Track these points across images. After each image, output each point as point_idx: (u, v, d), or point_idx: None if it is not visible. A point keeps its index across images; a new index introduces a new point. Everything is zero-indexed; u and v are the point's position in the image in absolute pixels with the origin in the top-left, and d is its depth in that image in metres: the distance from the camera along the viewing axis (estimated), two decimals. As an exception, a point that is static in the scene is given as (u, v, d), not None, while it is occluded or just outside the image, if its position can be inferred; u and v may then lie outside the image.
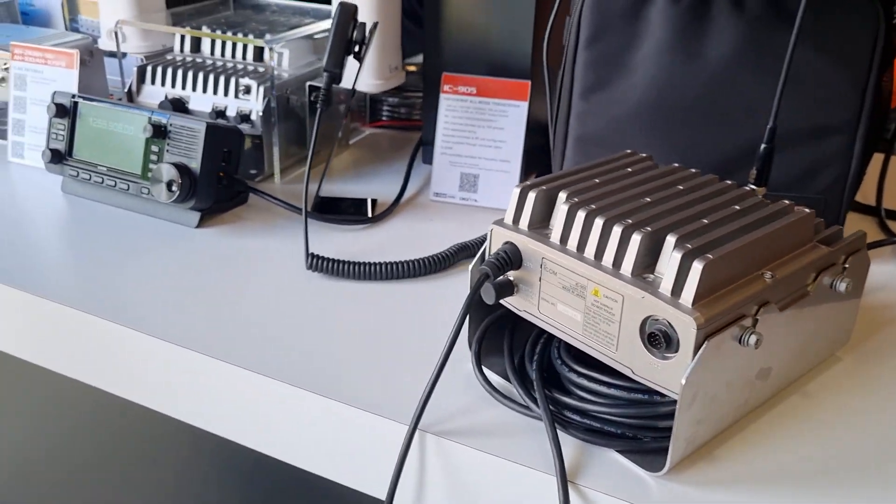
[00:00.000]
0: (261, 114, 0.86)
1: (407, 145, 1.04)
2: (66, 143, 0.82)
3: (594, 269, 0.49)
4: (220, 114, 0.87)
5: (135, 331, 0.63)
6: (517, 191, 0.54)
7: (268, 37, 0.89)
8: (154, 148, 0.78)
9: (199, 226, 0.79)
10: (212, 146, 0.76)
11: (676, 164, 0.59)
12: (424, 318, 0.66)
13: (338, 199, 0.85)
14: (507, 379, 0.57)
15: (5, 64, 0.94)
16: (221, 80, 0.88)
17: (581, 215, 0.51)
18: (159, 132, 0.77)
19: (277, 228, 0.79)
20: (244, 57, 0.93)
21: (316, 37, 0.93)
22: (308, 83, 0.90)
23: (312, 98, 0.91)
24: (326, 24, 0.95)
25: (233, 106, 0.87)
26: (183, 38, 0.95)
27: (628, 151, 0.61)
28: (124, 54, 0.97)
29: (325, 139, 0.96)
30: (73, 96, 0.82)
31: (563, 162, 0.76)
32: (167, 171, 0.75)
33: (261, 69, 0.90)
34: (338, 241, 0.78)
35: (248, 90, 0.87)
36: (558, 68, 0.75)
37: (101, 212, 0.81)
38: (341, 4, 0.75)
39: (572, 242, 0.51)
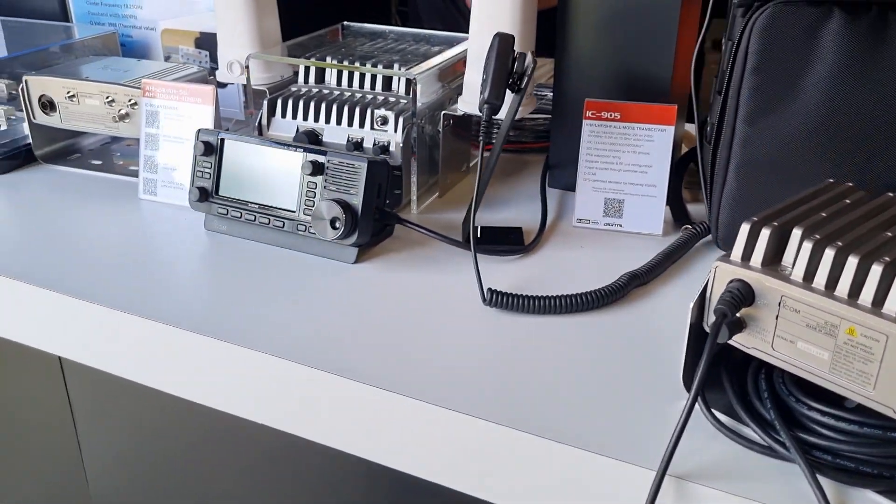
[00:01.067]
0: (401, 144, 0.85)
1: (525, 169, 1.03)
2: (212, 180, 0.82)
3: (850, 308, 0.49)
4: (356, 145, 0.87)
5: (312, 368, 0.62)
6: (746, 227, 0.54)
7: (400, 68, 0.88)
8: (311, 184, 0.77)
9: (356, 261, 0.78)
10: (371, 182, 0.75)
11: (891, 194, 0.58)
12: (611, 350, 0.65)
13: (487, 228, 0.84)
14: (734, 416, 0.56)
15: (130, 100, 0.93)
16: (357, 111, 0.87)
17: (830, 253, 0.50)
18: (318, 169, 0.77)
19: (433, 261, 0.79)
20: (373, 87, 0.92)
21: (443, 65, 0.93)
22: (443, 112, 0.89)
23: (445, 126, 0.90)
24: (455, 51, 0.95)
25: (369, 137, 0.87)
26: (308, 69, 0.94)
27: (831, 181, 0.61)
28: (238, 85, 0.97)
29: (453, 166, 0.96)
30: (219, 133, 0.81)
31: (724, 188, 0.76)
32: (330, 209, 0.75)
33: (391, 99, 0.90)
34: (495, 272, 0.77)
35: (384, 121, 0.87)
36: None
37: (250, 249, 0.81)
38: (500, 36, 0.75)
39: (819, 280, 0.51)
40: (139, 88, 0.92)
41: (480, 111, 0.76)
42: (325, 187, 0.77)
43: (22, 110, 1.01)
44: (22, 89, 0.97)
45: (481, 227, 0.84)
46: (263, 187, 0.80)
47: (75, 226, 0.86)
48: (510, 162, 1.06)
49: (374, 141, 0.87)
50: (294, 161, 0.78)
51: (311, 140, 0.88)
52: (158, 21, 1.16)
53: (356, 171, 0.75)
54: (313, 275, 0.76)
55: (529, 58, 0.75)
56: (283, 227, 0.79)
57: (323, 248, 0.79)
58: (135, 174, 0.98)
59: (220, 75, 0.98)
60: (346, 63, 0.91)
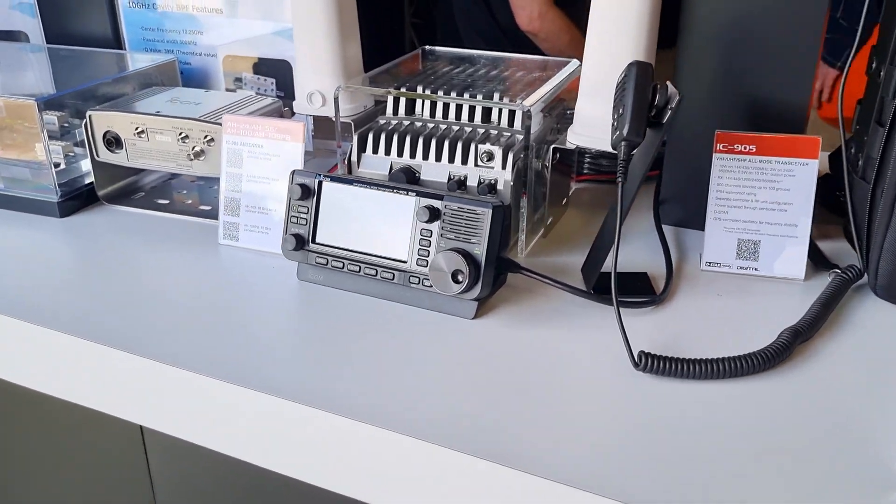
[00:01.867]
0: (510, 182, 0.78)
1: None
2: (309, 227, 0.74)
3: None
4: (459, 184, 0.79)
5: (443, 448, 0.55)
6: None
7: (503, 98, 0.81)
8: (426, 232, 0.70)
9: (475, 316, 0.70)
10: (495, 229, 0.68)
11: None
12: (788, 423, 0.57)
13: (608, 273, 0.76)
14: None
15: (206, 136, 0.86)
16: (459, 146, 0.80)
17: None
18: (434, 215, 0.69)
19: (558, 314, 0.71)
20: (471, 119, 0.85)
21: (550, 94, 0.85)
22: (552, 146, 0.82)
23: (555, 161, 0.83)
24: (560, 78, 0.87)
25: (473, 175, 0.79)
26: (397, 100, 0.87)
27: None
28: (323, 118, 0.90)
29: (554, 201, 0.88)
30: (317, 176, 0.74)
31: (887, 232, 0.68)
32: (451, 261, 0.67)
33: (493, 132, 0.82)
34: (628, 326, 0.69)
35: (490, 157, 0.79)
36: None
37: (352, 302, 0.73)
38: (638, 65, 0.67)
39: None
40: (216, 124, 0.85)
41: (614, 148, 0.69)
42: (441, 235, 0.69)
43: (78, 146, 0.93)
44: (85, 125, 0.89)
45: (600, 273, 0.77)
46: (369, 235, 0.72)
47: (151, 276, 0.78)
48: (604, 193, 0.98)
49: (479, 179, 0.79)
50: (405, 206, 0.71)
51: (408, 178, 0.81)
52: (218, 47, 1.08)
53: (478, 217, 0.68)
54: (428, 332, 0.69)
55: (672, 89, 0.68)
56: (393, 279, 0.71)
57: (439, 303, 0.71)
58: (206, 214, 0.91)
59: (299, 106, 0.91)
60: (454, 95, 0.83)
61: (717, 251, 0.78)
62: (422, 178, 0.81)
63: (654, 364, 0.62)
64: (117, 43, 1.13)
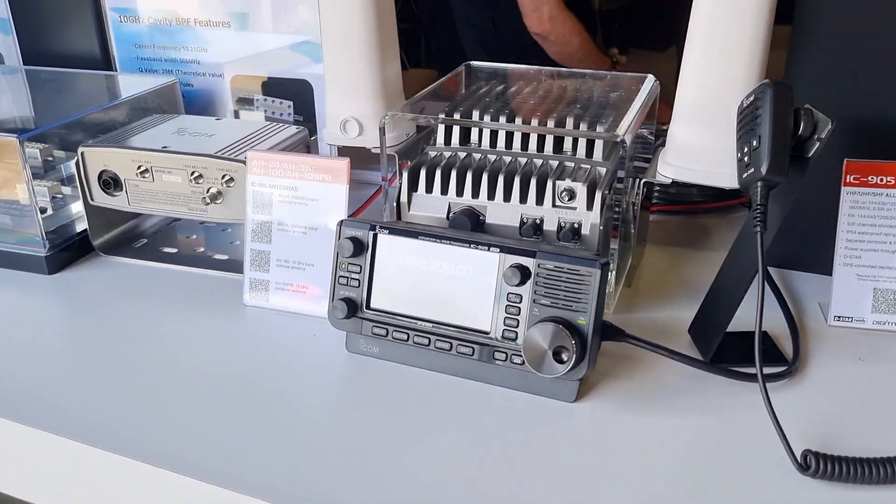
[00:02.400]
0: (599, 225, 0.65)
1: (701, 235, 0.83)
2: (363, 290, 0.61)
3: None
4: (535, 228, 0.66)
5: None
6: None
7: (579, 125, 0.68)
8: (514, 297, 0.56)
9: (576, 399, 0.57)
10: (602, 291, 0.55)
11: None
12: None
13: (729, 338, 0.63)
14: None
15: (224, 175, 0.72)
16: (533, 183, 0.66)
17: None
18: (525, 276, 0.56)
19: (673, 391, 0.58)
20: (540, 149, 0.71)
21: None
22: (643, 181, 0.69)
23: (643, 199, 0.70)
24: (641, 99, 0.74)
25: (551, 217, 0.66)
26: (449, 128, 0.73)
27: None
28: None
29: (638, 243, 0.75)
30: (372, 227, 0.60)
31: None
32: (553, 335, 0.54)
33: (568, 164, 0.69)
34: (759, 404, 0.57)
35: (571, 195, 0.66)
36: None
37: (418, 381, 0.60)
38: (775, 87, 0.54)
39: None
40: (238, 161, 0.71)
41: (745, 190, 0.56)
42: (534, 301, 0.56)
43: (65, 184, 0.79)
44: (77, 163, 0.75)
45: (718, 338, 0.64)
46: (441, 300, 0.59)
47: (160, 348, 0.64)
48: (679, 226, 0.85)
49: (560, 222, 0.66)
50: (486, 264, 0.57)
51: (472, 223, 0.67)
52: (224, 65, 0.94)
53: (582, 279, 0.55)
54: (520, 420, 0.55)
55: (819, 115, 0.55)
56: (473, 354, 0.58)
57: (531, 382, 0.58)
58: (224, 266, 0.77)
59: (330, 136, 0.77)
60: (534, 123, 0.69)
61: (848, 303, 0.65)
62: (487, 221, 0.68)
63: (825, 467, 0.49)
64: (106, 63, 0.98)
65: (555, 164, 0.69)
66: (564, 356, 0.54)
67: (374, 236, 0.60)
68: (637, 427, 0.55)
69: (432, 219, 0.69)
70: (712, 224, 0.86)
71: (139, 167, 0.74)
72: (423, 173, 0.70)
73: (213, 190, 0.73)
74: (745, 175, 0.55)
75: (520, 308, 0.56)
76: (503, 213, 0.68)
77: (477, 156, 0.72)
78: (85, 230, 0.79)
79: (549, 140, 0.71)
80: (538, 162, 0.70)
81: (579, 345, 0.54)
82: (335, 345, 0.64)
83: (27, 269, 0.77)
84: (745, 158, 0.55)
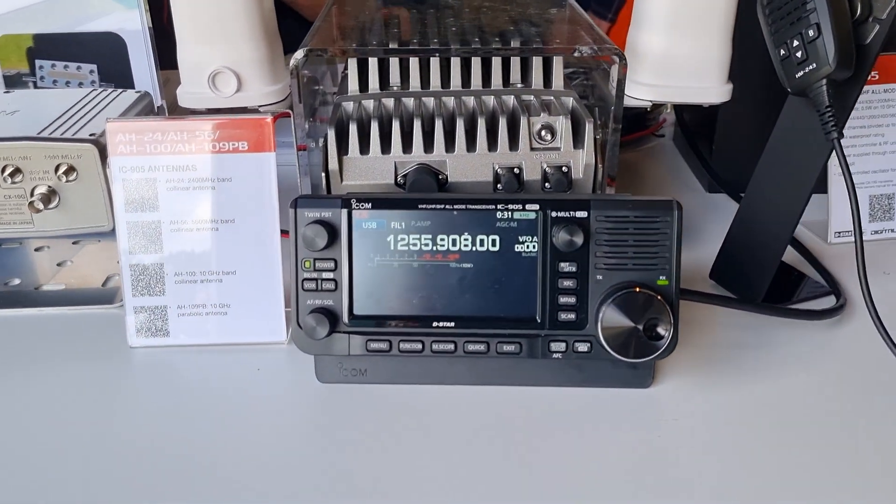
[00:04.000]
0: (593, 164, 0.52)
1: (625, 174, 0.74)
2: (343, 294, 0.42)
3: None
4: (511, 180, 0.52)
5: None
6: None
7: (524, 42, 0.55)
8: (566, 269, 0.42)
9: (651, 384, 0.45)
10: (680, 241, 0.42)
11: None
12: None
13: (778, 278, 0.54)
14: None
15: (60, 164, 0.48)
16: (501, 125, 0.52)
17: None
18: (583, 237, 0.41)
19: (746, 349, 0.48)
20: (486, 83, 0.57)
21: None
22: (612, 109, 0.57)
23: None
24: (581, 14, 0.62)
25: (532, 164, 0.52)
26: (364, 70, 0.56)
27: None
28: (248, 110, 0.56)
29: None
30: (345, 203, 0.42)
31: None
32: (645, 304, 0.40)
33: (526, 98, 0.55)
34: (836, 349, 0.49)
35: (552, 133, 0.53)
36: None
37: (442, 401, 0.43)
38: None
39: None
40: (82, 141, 0.48)
41: (799, 92, 0.46)
42: (595, 267, 0.42)
43: None
44: None
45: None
46: (462, 288, 0.43)
47: (33, 438, 0.41)
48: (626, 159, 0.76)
49: (544, 168, 0.52)
50: (521, 230, 0.42)
51: (424, 184, 0.51)
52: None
53: (657, 227, 0.42)
54: (603, 424, 0.42)
55: (876, -6, 0.46)
56: (521, 351, 0.43)
57: (593, 375, 0.44)
58: (70, 297, 0.53)
59: (192, 98, 0.56)
60: (495, 43, 0.54)
61: (847, 216, 0.59)
62: (450, 180, 0.52)
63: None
64: None
65: (509, 101, 0.56)
66: (662, 329, 0.41)
67: (350, 215, 0.43)
68: (742, 398, 0.44)
69: (377, 186, 0.52)
70: (630, 159, 0.77)
71: None
72: (353, 130, 0.52)
73: (42, 189, 0.49)
74: (799, 74, 0.46)
75: (578, 279, 0.42)
76: (468, 166, 0.52)
77: (409, 100, 0.56)
78: None
79: (496, 68, 0.57)
80: (489, 101, 0.56)
81: (669, 313, 0.41)
82: (295, 378, 0.46)
83: None
84: (798, 54, 0.46)
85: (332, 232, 0.42)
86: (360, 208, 0.43)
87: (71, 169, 0.48)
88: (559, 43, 0.58)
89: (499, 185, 0.52)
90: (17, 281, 0.55)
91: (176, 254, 0.47)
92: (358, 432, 0.42)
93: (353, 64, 0.57)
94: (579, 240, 0.41)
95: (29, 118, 0.52)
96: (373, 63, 0.57)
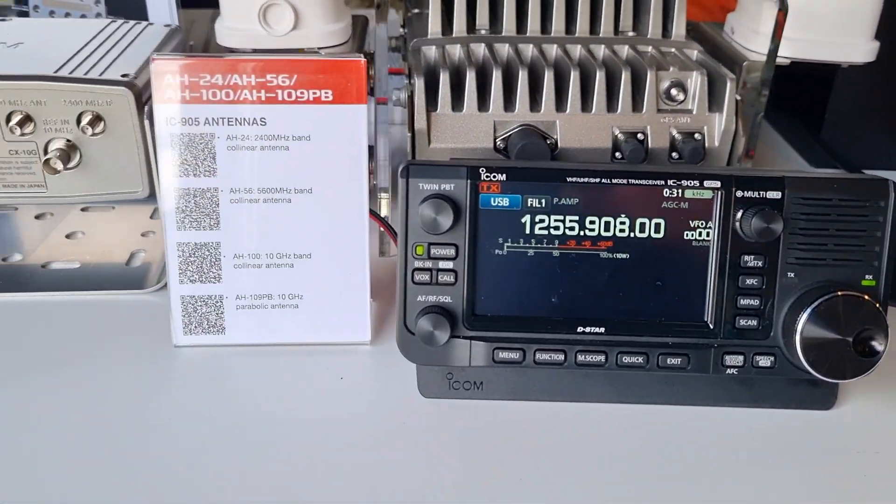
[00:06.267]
0: (741, 134, 0.43)
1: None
2: (462, 289, 0.33)
3: None
4: (640, 146, 0.42)
5: None
6: None
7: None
8: (751, 262, 0.33)
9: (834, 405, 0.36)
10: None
11: None
12: None
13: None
14: None
15: (84, 112, 0.38)
16: (623, 80, 0.43)
17: None
18: (777, 222, 0.33)
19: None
20: (594, 30, 0.47)
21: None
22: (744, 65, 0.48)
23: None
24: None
25: (659, 128, 0.43)
26: (450, 8, 0.46)
27: None
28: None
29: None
30: (473, 172, 0.33)
31: None
32: (854, 310, 0.32)
33: (643, 49, 0.46)
34: None
35: (683, 90, 0.44)
36: None
37: (587, 421, 0.35)
38: None
39: None
40: (114, 83, 0.38)
41: None
42: (787, 262, 0.33)
43: None
44: None
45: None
46: (617, 286, 0.34)
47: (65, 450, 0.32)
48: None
49: (673, 136, 0.43)
50: (693, 212, 0.33)
51: (538, 150, 0.42)
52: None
53: (866, 212, 0.33)
54: (776, 457, 0.34)
55: None
56: (687, 365, 0.34)
57: (767, 392, 0.35)
58: (87, 281, 0.43)
59: (236, 35, 0.45)
60: None
61: None
62: (560, 145, 0.43)
63: None
64: None
65: (622, 51, 0.46)
66: (877, 343, 0.32)
67: (476, 189, 0.33)
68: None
69: (471, 150, 0.43)
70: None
71: None
72: (444, 81, 0.42)
73: (60, 144, 0.38)
74: None
75: (764, 277, 0.34)
76: (582, 129, 0.43)
77: (502, 47, 0.46)
78: None
79: (608, 16, 0.47)
80: (598, 51, 0.46)
81: (874, 317, 0.33)
82: (386, 389, 0.37)
83: None
84: None
85: (457, 210, 0.33)
86: (489, 180, 0.33)
87: (97, 119, 0.38)
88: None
89: (617, 154, 0.44)
90: (17, 256, 0.45)
91: (236, 231, 0.37)
92: (478, 465, 0.33)
93: (435, 1, 0.47)
94: (778, 227, 0.32)
95: (38, 53, 0.41)
96: (459, 1, 0.47)
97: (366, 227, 0.38)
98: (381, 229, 0.44)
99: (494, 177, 0.33)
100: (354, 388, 0.37)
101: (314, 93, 0.36)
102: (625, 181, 0.33)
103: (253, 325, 0.38)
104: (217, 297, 0.38)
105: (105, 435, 0.34)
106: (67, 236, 0.47)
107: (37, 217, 0.49)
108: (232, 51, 0.46)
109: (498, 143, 0.43)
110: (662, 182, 0.33)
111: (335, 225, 0.37)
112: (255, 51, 0.46)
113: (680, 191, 0.33)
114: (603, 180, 0.33)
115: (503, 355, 0.34)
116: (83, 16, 0.57)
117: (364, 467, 0.32)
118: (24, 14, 0.57)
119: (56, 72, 0.38)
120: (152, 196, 0.40)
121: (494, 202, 0.33)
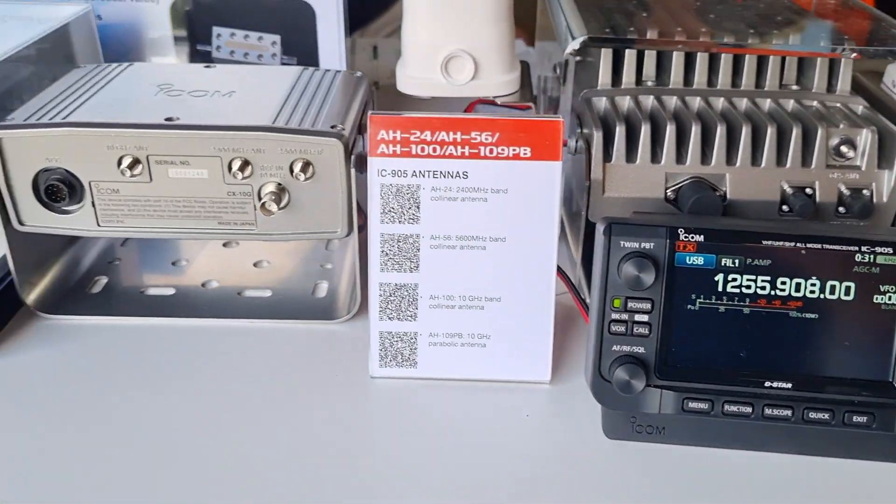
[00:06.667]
0: (904, 193, 0.44)
1: None
2: (655, 341, 0.36)
3: None
4: (804, 200, 0.44)
5: None
6: None
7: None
8: (945, 327, 0.35)
9: None
10: None
11: None
12: None
13: None
14: None
15: (295, 160, 0.41)
16: (794, 136, 0.44)
17: None
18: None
19: None
20: (759, 82, 0.49)
21: None
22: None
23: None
24: None
25: (826, 184, 0.44)
26: (619, 61, 0.48)
27: None
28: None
29: None
30: (672, 232, 0.35)
31: None
32: None
33: (810, 104, 0.47)
34: None
35: (852, 146, 0.45)
36: None
37: (761, 469, 0.37)
38: None
39: None
40: (326, 135, 0.41)
41: None
42: (977, 327, 0.35)
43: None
44: (-9, 161, 0.41)
45: None
46: (801, 344, 0.35)
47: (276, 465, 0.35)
48: None
49: (841, 191, 0.44)
50: (884, 279, 0.35)
51: (709, 204, 0.44)
52: (148, -17, 0.60)
53: None
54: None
55: None
56: (872, 423, 0.35)
57: (951, 453, 0.37)
58: (280, 310, 0.46)
59: (418, 84, 0.49)
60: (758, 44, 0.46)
61: None
62: (729, 197, 0.45)
63: None
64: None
65: (787, 105, 0.48)
66: None
67: (674, 248, 0.35)
68: None
69: (641, 200, 0.45)
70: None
71: (123, 158, 0.41)
72: (620, 133, 0.45)
73: (271, 187, 0.42)
74: None
75: (957, 340, 0.35)
76: (751, 182, 0.45)
77: (671, 99, 0.48)
78: (7, 278, 0.45)
79: (774, 70, 0.49)
80: (763, 105, 0.48)
81: None
82: (569, 428, 0.39)
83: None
84: None
85: (657, 268, 0.35)
86: (687, 240, 0.35)
87: (307, 165, 0.41)
88: (852, 40, 0.49)
89: (784, 207, 0.45)
90: (214, 283, 0.49)
91: (434, 274, 0.40)
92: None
93: (607, 53, 0.49)
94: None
95: (251, 102, 0.45)
96: (630, 53, 0.49)
97: (553, 274, 0.40)
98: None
99: (692, 237, 0.35)
100: (539, 425, 0.39)
101: (514, 149, 0.39)
102: (818, 246, 0.35)
103: (443, 360, 0.41)
104: (412, 333, 0.41)
105: (312, 458, 0.37)
106: (255, 265, 0.51)
107: (224, 245, 0.53)
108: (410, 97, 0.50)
109: (668, 193, 0.45)
110: (856, 248, 0.35)
111: (525, 271, 0.40)
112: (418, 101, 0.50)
113: (872, 256, 0.35)
114: (797, 244, 0.35)
115: (692, 405, 0.36)
116: (260, 56, 0.62)
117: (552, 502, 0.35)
118: (207, 53, 0.62)
119: (273, 122, 0.42)
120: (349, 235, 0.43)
121: (690, 261, 0.36)
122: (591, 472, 0.37)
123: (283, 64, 0.62)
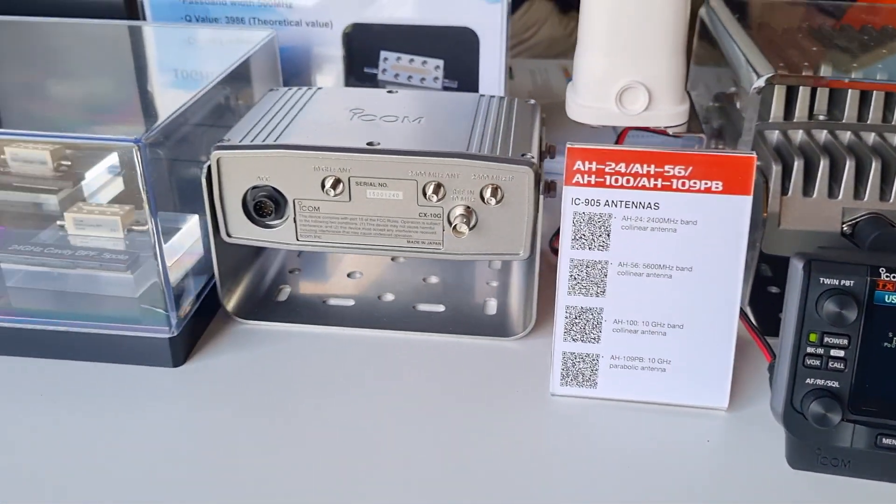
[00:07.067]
0: None
1: None
2: (849, 377, 0.36)
3: None
4: None
5: None
6: None
7: None
8: None
9: None
10: None
11: None
12: None
13: None
14: None
15: (486, 185, 0.44)
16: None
17: None
18: None
19: None
20: (888, 117, 0.49)
21: None
22: None
23: None
24: None
25: None
26: (793, 96, 0.49)
27: None
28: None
29: None
30: (874, 270, 0.36)
31: None
32: None
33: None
34: None
35: None
36: None
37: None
38: None
39: None
40: (518, 163, 0.43)
41: None
42: None
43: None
44: (209, 177, 0.44)
45: None
46: None
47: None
48: None
49: None
50: None
51: (890, 240, 0.44)
52: (331, 8, 0.63)
53: None
54: None
55: None
56: None
57: None
58: (471, 326, 0.49)
59: (592, 113, 0.50)
60: None
61: None
62: (906, 234, 0.45)
63: None
64: (130, 8, 0.65)
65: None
66: None
67: (874, 286, 0.36)
68: None
69: (817, 235, 0.45)
70: None
71: (326, 179, 0.44)
72: (797, 167, 0.45)
73: (460, 210, 0.45)
74: None
75: None
76: (918, 225, 0.45)
77: (844, 134, 0.48)
78: (212, 285, 0.48)
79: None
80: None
81: None
82: (755, 458, 0.40)
83: (139, 360, 0.45)
84: None
85: (855, 305, 0.36)
86: (888, 279, 0.36)
87: (496, 190, 0.44)
88: None
89: (962, 245, 0.45)
90: (390, 297, 0.52)
91: (619, 300, 0.42)
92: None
93: (781, 87, 0.50)
94: None
95: (440, 128, 0.47)
96: (804, 88, 0.50)
97: (737, 305, 0.41)
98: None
99: (893, 276, 0.36)
100: (720, 450, 0.41)
101: (706, 183, 0.40)
102: None
103: (622, 383, 0.43)
104: (594, 355, 0.43)
105: (491, 468, 0.39)
106: (423, 279, 0.54)
107: (392, 259, 0.56)
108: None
109: (845, 228, 0.46)
110: None
111: (709, 300, 0.41)
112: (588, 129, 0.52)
113: None
114: None
115: (886, 441, 0.37)
116: (423, 79, 0.65)
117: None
118: (373, 76, 0.65)
119: (467, 149, 0.44)
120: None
121: (888, 299, 0.36)
122: (776, 500, 0.38)
123: (445, 87, 0.64)
